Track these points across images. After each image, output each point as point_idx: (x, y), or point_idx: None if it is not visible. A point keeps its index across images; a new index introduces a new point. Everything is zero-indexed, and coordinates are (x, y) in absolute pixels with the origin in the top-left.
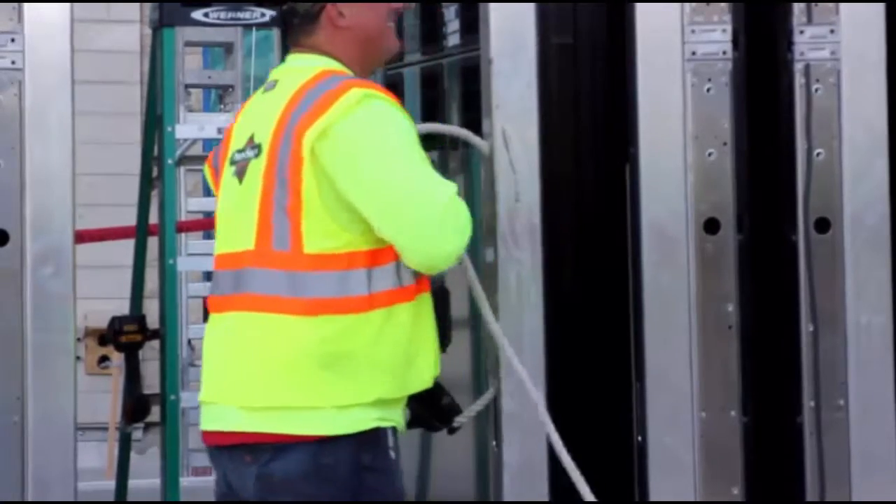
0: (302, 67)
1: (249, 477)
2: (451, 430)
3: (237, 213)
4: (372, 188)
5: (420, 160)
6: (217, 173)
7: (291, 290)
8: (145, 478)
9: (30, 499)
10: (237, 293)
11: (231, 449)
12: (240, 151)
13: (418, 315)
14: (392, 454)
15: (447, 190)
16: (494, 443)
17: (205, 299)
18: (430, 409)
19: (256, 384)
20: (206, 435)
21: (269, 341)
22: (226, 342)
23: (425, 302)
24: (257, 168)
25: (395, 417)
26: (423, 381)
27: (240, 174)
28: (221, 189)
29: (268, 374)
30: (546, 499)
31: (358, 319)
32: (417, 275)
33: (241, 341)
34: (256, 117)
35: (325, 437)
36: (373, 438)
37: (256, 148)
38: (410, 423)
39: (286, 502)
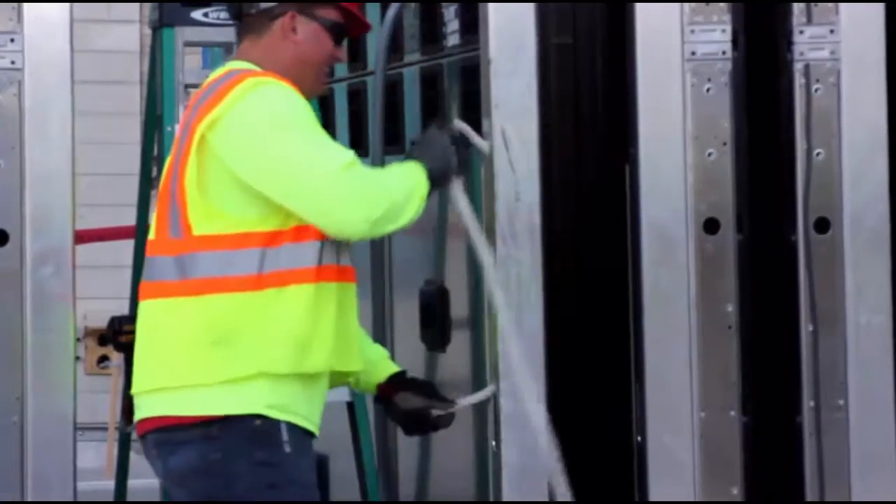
0: (222, 70)
1: (160, 471)
2: (445, 422)
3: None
4: (269, 168)
5: (312, 133)
6: None
7: (179, 273)
8: (145, 478)
9: (30, 499)
10: (143, 283)
11: (144, 440)
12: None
13: (319, 300)
14: (287, 448)
15: (341, 157)
16: (494, 443)
17: None
18: (427, 398)
19: (151, 367)
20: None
21: (159, 325)
22: (138, 334)
23: (332, 291)
24: (167, 166)
25: (295, 408)
26: (316, 365)
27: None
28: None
29: (160, 357)
30: (546, 499)
31: (245, 297)
32: (328, 261)
33: (142, 330)
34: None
35: (213, 420)
36: (264, 433)
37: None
38: (407, 423)
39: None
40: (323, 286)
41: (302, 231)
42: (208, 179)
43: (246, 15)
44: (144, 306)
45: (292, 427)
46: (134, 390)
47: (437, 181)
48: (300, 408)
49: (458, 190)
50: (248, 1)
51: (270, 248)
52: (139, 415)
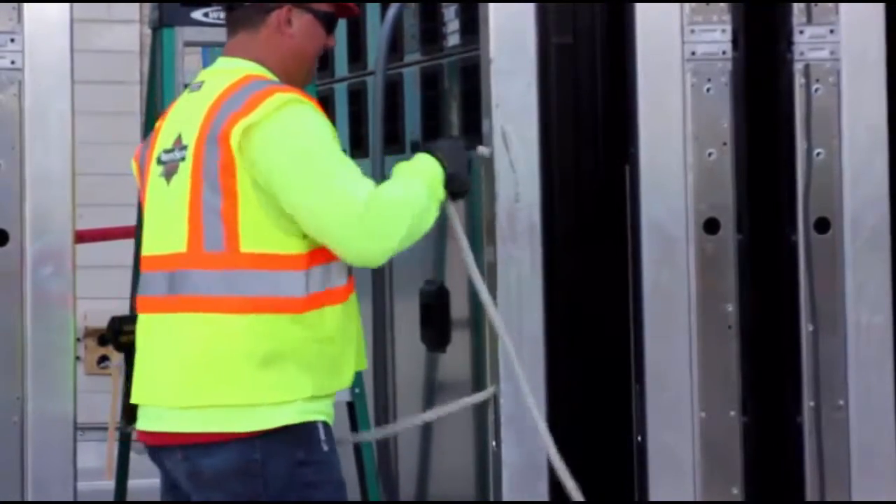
0: (229, 70)
1: (183, 473)
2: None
3: (166, 215)
4: (293, 192)
5: (338, 162)
6: (143, 170)
7: (228, 290)
8: (145, 478)
9: (30, 499)
10: (171, 295)
11: (167, 448)
12: (167, 152)
13: (347, 317)
14: (324, 447)
15: (364, 189)
16: (494, 443)
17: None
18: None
19: (195, 384)
20: (143, 435)
21: (206, 341)
22: (161, 344)
23: (353, 303)
24: (185, 170)
25: (325, 409)
26: (343, 382)
27: (167, 175)
28: (149, 189)
29: (206, 374)
30: (546, 499)
31: (293, 319)
32: (347, 276)
33: (178, 343)
34: (183, 118)
35: (257, 434)
36: (303, 433)
37: (184, 149)
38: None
39: (220, 502)
40: (350, 302)
41: (330, 251)
42: (260, 194)
43: (239, 6)
44: (177, 318)
45: (326, 426)
46: (150, 401)
47: (451, 189)
48: (330, 412)
49: (452, 211)
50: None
51: (310, 270)
52: (155, 426)
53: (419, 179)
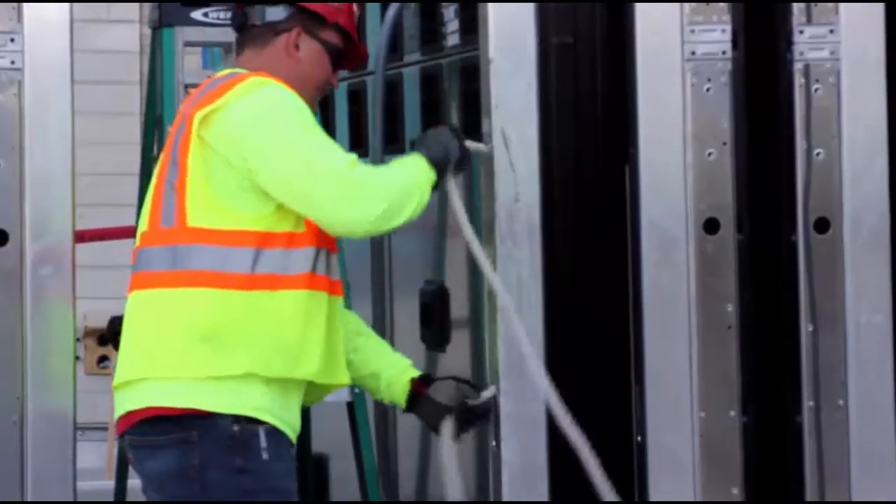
0: (224, 72)
1: (138, 472)
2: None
3: (147, 200)
4: (270, 163)
5: (314, 132)
6: None
7: (172, 264)
8: None
9: (29, 499)
10: (132, 273)
11: (122, 439)
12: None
13: (310, 308)
14: (264, 455)
15: (342, 156)
16: (494, 443)
17: None
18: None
19: (136, 359)
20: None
21: (146, 316)
22: (124, 326)
23: (323, 301)
24: (161, 155)
25: (279, 413)
26: (306, 373)
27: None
28: None
29: (148, 348)
30: (546, 499)
31: (236, 295)
32: (321, 270)
33: (129, 321)
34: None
35: (193, 420)
36: (242, 440)
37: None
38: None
39: (161, 502)
40: (314, 294)
41: (295, 237)
42: (210, 169)
43: (251, 25)
44: (133, 297)
45: (271, 433)
46: (115, 383)
47: (439, 167)
48: (283, 413)
49: (452, 185)
50: (255, 2)
51: (264, 250)
52: (119, 411)
53: (396, 164)
